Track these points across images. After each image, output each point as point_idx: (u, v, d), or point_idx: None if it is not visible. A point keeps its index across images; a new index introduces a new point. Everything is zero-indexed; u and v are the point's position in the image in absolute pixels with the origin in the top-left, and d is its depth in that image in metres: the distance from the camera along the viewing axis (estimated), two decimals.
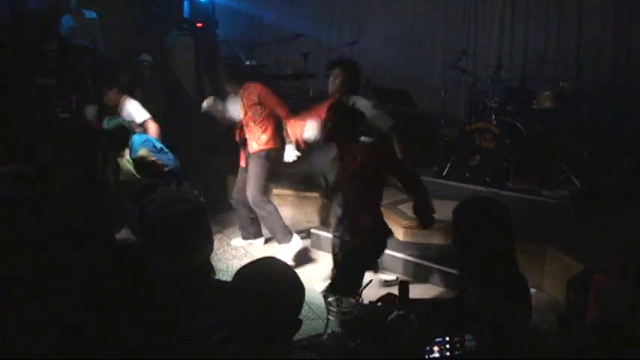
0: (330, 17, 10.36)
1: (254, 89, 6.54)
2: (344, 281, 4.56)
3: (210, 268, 2.49)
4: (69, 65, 8.65)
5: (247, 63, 8.76)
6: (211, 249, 2.34)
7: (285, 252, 6.55)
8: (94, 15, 9.56)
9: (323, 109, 5.61)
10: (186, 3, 8.57)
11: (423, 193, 4.50)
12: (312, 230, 7.22)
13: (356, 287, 4.46)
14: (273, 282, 2.02)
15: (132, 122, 6.79)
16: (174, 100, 10.13)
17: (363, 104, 5.42)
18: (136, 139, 6.29)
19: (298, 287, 2.07)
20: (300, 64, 8.87)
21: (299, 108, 8.77)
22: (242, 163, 6.81)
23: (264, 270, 2.08)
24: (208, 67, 10.19)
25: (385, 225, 4.79)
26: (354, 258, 4.68)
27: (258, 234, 7.12)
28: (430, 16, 9.75)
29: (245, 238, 7.11)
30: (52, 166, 6.75)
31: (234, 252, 6.98)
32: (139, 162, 6.21)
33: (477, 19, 9.36)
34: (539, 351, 2.71)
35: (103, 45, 9.50)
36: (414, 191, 4.54)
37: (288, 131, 6.44)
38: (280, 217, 6.66)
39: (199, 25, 8.59)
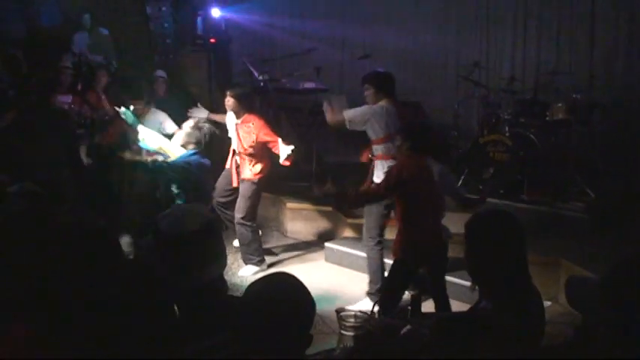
0: (342, 31, 10.39)
1: (254, 125, 6.44)
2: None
3: (223, 284, 2.51)
4: (83, 82, 8.75)
5: (260, 78, 8.80)
6: (224, 264, 2.36)
7: (244, 270, 6.68)
8: (106, 32, 9.66)
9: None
10: (199, 19, 8.65)
11: None
12: (326, 244, 7.20)
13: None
14: (284, 297, 2.03)
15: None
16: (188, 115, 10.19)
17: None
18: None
19: (309, 302, 2.07)
20: (313, 79, 8.89)
21: (311, 122, 8.89)
22: (234, 183, 6.75)
23: (276, 285, 2.09)
24: (222, 83, 10.26)
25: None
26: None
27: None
28: (442, 28, 9.77)
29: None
30: (65, 182, 6.80)
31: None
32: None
33: (489, 31, 9.38)
34: None
35: (116, 61, 9.59)
36: None
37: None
38: (257, 241, 6.79)
39: (212, 41, 8.67)
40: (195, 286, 2.25)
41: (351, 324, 2.55)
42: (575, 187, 7.34)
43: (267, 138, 6.43)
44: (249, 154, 6.52)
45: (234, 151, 6.72)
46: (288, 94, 9.16)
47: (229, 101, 6.49)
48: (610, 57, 8.30)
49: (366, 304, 5.41)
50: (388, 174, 4.90)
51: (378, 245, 5.73)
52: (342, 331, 2.56)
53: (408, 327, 2.55)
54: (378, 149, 5.64)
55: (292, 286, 2.08)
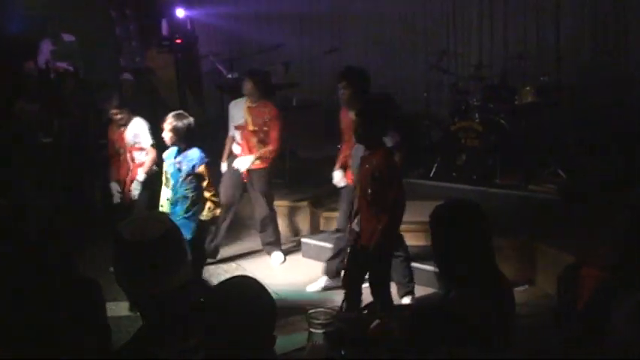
0: (309, 25, 10.37)
1: (269, 112, 6.51)
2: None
3: (190, 290, 2.48)
4: (50, 88, 8.66)
5: (229, 76, 8.75)
6: (188, 271, 2.33)
7: (274, 261, 6.82)
8: (71, 38, 9.56)
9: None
10: (164, 20, 8.57)
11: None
12: (302, 239, 7.20)
13: None
14: (245, 299, 2.10)
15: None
16: (159, 118, 10.11)
17: None
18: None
19: (269, 304, 2.14)
20: (282, 74, 8.86)
21: (283, 118, 8.84)
22: (244, 179, 6.74)
23: (235, 289, 2.16)
24: (191, 83, 10.20)
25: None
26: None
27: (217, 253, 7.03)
28: (409, 18, 9.78)
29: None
30: (30, 194, 6.72)
31: (226, 267, 6.94)
32: None
33: (456, 18, 9.41)
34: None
35: (83, 66, 9.49)
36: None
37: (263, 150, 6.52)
38: (277, 229, 6.97)
39: (178, 41, 8.60)
40: (159, 293, 2.23)
41: (320, 321, 2.55)
42: (547, 169, 7.39)
43: (275, 128, 6.50)
44: (260, 141, 6.52)
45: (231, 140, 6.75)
46: None
47: (247, 86, 6.52)
48: (576, 38, 8.36)
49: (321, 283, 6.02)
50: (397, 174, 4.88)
51: None
52: (312, 329, 2.56)
53: (377, 321, 2.55)
54: None
55: (252, 288, 2.15)
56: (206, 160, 5.40)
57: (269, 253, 6.94)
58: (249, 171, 6.61)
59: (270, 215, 6.83)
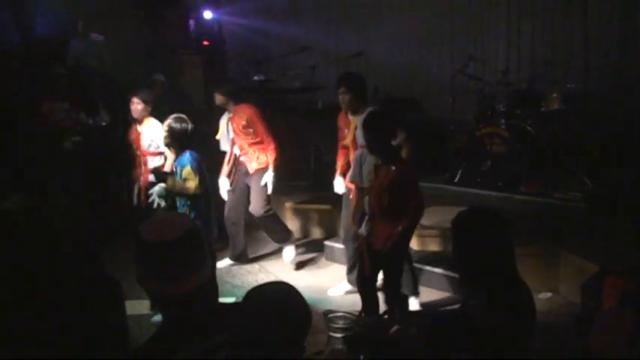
0: (336, 28, 10.38)
1: (244, 113, 6.44)
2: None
3: (211, 290, 2.50)
4: (79, 88, 8.76)
5: (255, 78, 8.79)
6: (208, 271, 2.35)
7: (286, 255, 6.83)
8: (101, 38, 9.67)
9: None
10: (192, 22, 8.64)
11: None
12: (325, 242, 7.21)
13: None
14: (283, 306, 2.11)
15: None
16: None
17: None
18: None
19: (304, 316, 2.15)
20: (308, 77, 8.88)
21: (308, 121, 8.88)
22: (239, 184, 6.73)
23: (274, 295, 2.17)
24: (218, 85, 10.24)
25: None
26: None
27: (244, 258, 7.06)
28: (436, 23, 9.75)
29: (233, 258, 7.00)
30: (59, 191, 6.80)
31: (249, 267, 6.98)
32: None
33: (483, 24, 9.36)
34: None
35: (112, 66, 9.59)
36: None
37: (268, 158, 6.48)
38: (280, 222, 6.91)
39: (205, 43, 8.66)
40: (178, 293, 2.25)
41: (339, 325, 2.55)
42: (572, 177, 7.32)
43: (257, 126, 6.43)
44: (250, 144, 6.48)
45: (233, 156, 6.71)
46: (283, 93, 9.14)
47: (218, 99, 6.51)
48: (604, 46, 8.27)
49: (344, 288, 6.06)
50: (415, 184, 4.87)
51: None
52: (331, 333, 2.57)
53: (396, 327, 2.55)
54: None
55: (291, 296, 2.15)
56: (193, 162, 5.38)
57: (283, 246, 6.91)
58: (251, 174, 6.59)
59: (267, 214, 6.69)
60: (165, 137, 5.50)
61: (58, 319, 2.26)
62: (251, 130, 6.44)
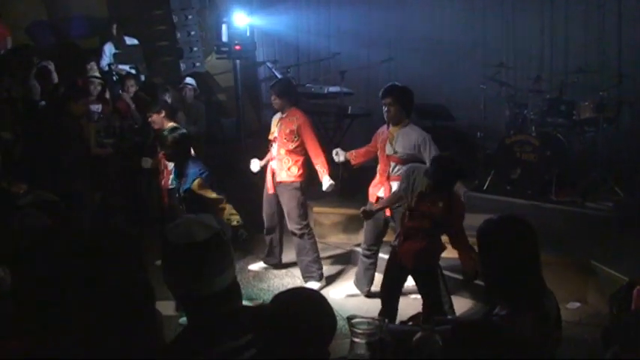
0: (366, 34, 10.37)
1: (297, 119, 6.41)
2: None
3: (234, 293, 2.52)
4: (112, 91, 8.89)
5: None
6: (233, 273, 2.37)
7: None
8: (135, 41, 9.80)
9: (379, 137, 5.94)
10: (224, 26, 8.70)
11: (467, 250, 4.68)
12: (354, 248, 7.20)
13: None
14: (309, 310, 2.16)
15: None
16: (216, 122, 10.28)
17: (421, 136, 5.70)
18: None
19: (330, 324, 2.19)
20: (338, 83, 8.90)
21: (338, 126, 8.89)
22: (270, 190, 6.63)
23: (301, 301, 2.21)
24: (248, 89, 10.32)
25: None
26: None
27: (277, 262, 7.05)
28: (467, 29, 9.69)
29: (267, 262, 7.03)
30: (85, 191, 6.88)
31: (276, 271, 7.00)
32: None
33: (515, 31, 9.28)
34: None
35: (145, 70, 9.71)
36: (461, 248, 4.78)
37: (317, 168, 6.45)
38: (316, 251, 6.61)
39: (237, 47, 8.70)
40: (204, 295, 2.27)
41: (363, 331, 2.55)
42: (604, 187, 7.24)
43: (307, 136, 6.39)
44: (288, 151, 6.42)
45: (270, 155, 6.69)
46: (313, 98, 9.16)
47: (274, 98, 6.53)
48: (637, 53, 8.15)
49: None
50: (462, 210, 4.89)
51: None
52: (354, 339, 2.56)
53: (421, 334, 2.55)
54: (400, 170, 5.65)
55: (317, 305, 2.20)
56: (201, 174, 5.41)
57: (305, 281, 6.56)
58: (277, 183, 6.53)
59: (303, 233, 6.49)
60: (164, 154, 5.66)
61: (93, 319, 2.30)
62: (296, 138, 6.40)
